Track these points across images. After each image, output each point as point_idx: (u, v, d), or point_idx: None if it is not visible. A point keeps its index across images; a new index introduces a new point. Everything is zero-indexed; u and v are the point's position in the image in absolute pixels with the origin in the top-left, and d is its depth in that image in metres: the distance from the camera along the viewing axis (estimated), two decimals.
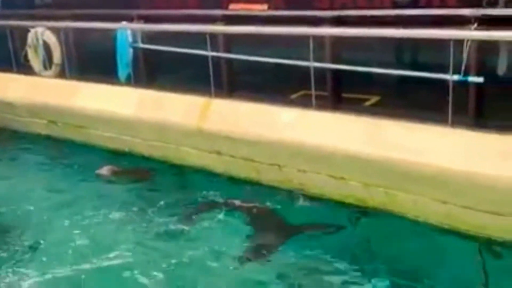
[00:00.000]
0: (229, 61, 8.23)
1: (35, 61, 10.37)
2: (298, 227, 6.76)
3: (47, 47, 10.11)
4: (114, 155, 9.11)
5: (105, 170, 8.41)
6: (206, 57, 8.14)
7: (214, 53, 8.10)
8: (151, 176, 8.46)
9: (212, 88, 8.26)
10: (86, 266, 5.97)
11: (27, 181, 8.51)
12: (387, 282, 5.55)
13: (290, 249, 6.24)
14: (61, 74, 10.14)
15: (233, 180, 7.96)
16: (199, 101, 8.27)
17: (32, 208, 7.48)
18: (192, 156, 8.39)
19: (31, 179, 8.62)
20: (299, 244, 6.35)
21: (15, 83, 10.41)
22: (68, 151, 9.52)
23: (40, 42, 10.14)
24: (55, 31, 10.05)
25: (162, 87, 8.79)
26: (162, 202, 7.44)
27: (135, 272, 5.85)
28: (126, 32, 8.94)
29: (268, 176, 7.66)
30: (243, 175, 7.89)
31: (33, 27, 10.27)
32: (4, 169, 9.16)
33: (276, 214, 7.10)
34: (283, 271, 5.80)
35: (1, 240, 6.66)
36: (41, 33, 10.15)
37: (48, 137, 10.02)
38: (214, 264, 5.95)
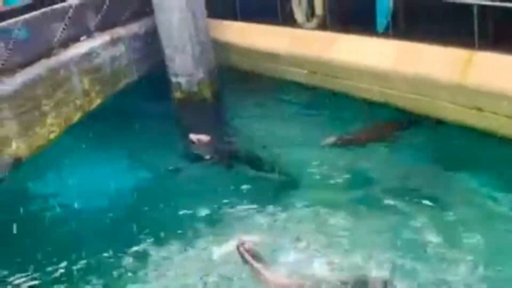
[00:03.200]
0: (496, 9, 7.64)
1: (299, 13, 10.97)
2: None
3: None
4: (368, 105, 9.30)
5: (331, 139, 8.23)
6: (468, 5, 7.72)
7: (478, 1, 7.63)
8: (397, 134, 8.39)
9: (476, 39, 7.81)
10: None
11: (284, 125, 9.24)
12: None
13: None
14: (323, 25, 10.54)
15: (493, 138, 7.54)
16: (460, 53, 7.92)
17: (286, 149, 8.18)
18: (448, 110, 8.14)
19: (288, 124, 9.32)
20: None
21: (280, 35, 11.16)
22: (326, 101, 9.95)
23: None
24: None
25: (420, 38, 8.60)
26: (413, 162, 7.39)
27: None
28: None
29: None
30: (506, 133, 7.39)
31: None
32: (266, 111, 10.06)
33: None
34: None
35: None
36: None
37: (307, 86, 10.60)
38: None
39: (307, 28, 10.80)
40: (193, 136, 8.88)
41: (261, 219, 6.49)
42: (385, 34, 9.25)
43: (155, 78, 11.34)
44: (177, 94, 10.87)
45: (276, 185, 7.35)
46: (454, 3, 8.11)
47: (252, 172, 7.77)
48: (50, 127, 8.50)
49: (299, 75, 10.73)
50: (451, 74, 7.88)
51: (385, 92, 9.07)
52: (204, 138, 8.86)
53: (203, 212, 6.80)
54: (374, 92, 9.28)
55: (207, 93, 10.81)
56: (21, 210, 7.24)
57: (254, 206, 6.78)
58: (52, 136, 8.53)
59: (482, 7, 7.76)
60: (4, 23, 7.79)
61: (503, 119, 7.41)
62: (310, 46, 10.41)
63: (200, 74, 10.71)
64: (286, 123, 9.40)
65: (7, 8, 8.32)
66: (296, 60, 10.67)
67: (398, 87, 8.81)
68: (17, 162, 7.73)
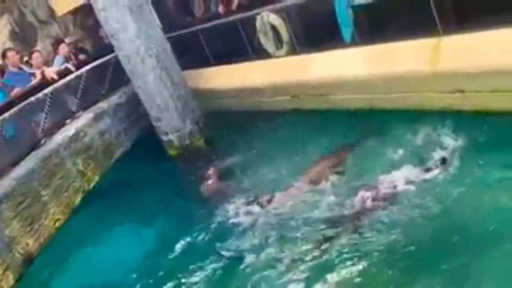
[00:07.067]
0: None
1: (268, 44, 11.12)
2: None
3: (274, 29, 10.76)
4: (356, 115, 9.35)
5: None
6: None
7: None
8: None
9: (439, 25, 7.90)
10: None
11: (272, 155, 9.35)
12: None
13: None
14: (293, 50, 10.69)
15: (482, 115, 7.56)
16: (427, 43, 8.00)
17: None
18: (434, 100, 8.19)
19: (276, 152, 9.39)
20: None
21: (255, 69, 11.32)
22: (315, 120, 10.00)
23: (268, 25, 10.82)
24: (279, 12, 10.62)
25: (386, 39, 8.70)
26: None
27: None
28: None
29: None
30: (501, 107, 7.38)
31: (258, 13, 10.98)
32: (255, 143, 10.12)
33: None
34: None
35: None
36: (267, 16, 10.81)
37: (293, 111, 10.69)
38: None
39: (279, 56, 10.95)
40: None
41: None
42: (353, 43, 9.37)
43: (147, 141, 11.49)
44: (171, 151, 10.99)
45: None
46: None
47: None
48: (54, 216, 8.60)
49: (282, 102, 10.83)
50: (421, 65, 7.96)
51: (367, 98, 9.14)
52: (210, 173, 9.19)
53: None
54: (357, 100, 9.35)
55: (199, 142, 10.94)
56: None
57: None
58: (58, 224, 8.62)
59: None
60: None
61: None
62: (287, 72, 10.54)
63: (188, 127, 10.85)
64: (275, 152, 9.45)
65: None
66: (276, 89, 10.79)
67: (377, 89, 8.88)
68: (29, 259, 7.79)
